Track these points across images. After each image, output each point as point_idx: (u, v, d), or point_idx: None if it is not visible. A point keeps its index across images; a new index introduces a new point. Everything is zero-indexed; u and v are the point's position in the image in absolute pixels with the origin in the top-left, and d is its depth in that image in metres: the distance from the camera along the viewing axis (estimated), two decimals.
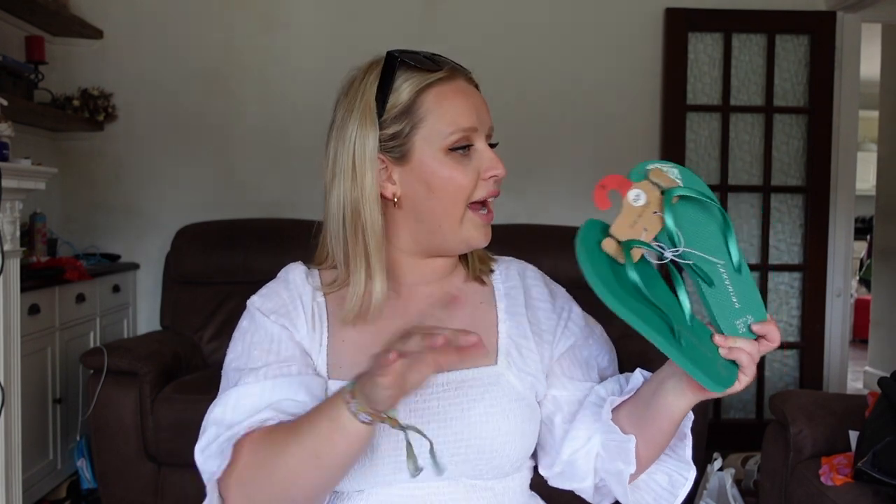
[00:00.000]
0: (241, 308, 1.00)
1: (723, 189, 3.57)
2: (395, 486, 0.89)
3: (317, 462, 0.79)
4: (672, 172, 0.83)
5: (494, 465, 0.91)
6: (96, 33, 3.40)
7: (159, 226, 3.44)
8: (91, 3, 3.40)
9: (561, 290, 1.05)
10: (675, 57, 3.51)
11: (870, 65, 4.30)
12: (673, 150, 3.52)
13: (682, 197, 0.82)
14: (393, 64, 0.90)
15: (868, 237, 5.71)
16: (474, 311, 0.98)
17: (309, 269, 0.99)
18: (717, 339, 0.80)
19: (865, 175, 5.61)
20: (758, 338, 0.81)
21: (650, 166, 0.83)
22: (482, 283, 1.01)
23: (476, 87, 0.96)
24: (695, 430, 3.04)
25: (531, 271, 1.04)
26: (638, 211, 0.81)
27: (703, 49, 3.58)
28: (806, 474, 1.97)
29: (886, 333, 4.58)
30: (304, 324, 0.93)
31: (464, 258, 1.02)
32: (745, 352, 0.79)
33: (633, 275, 0.77)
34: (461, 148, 0.90)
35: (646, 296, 0.78)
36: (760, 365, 3.61)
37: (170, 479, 2.54)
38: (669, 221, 0.80)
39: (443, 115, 0.89)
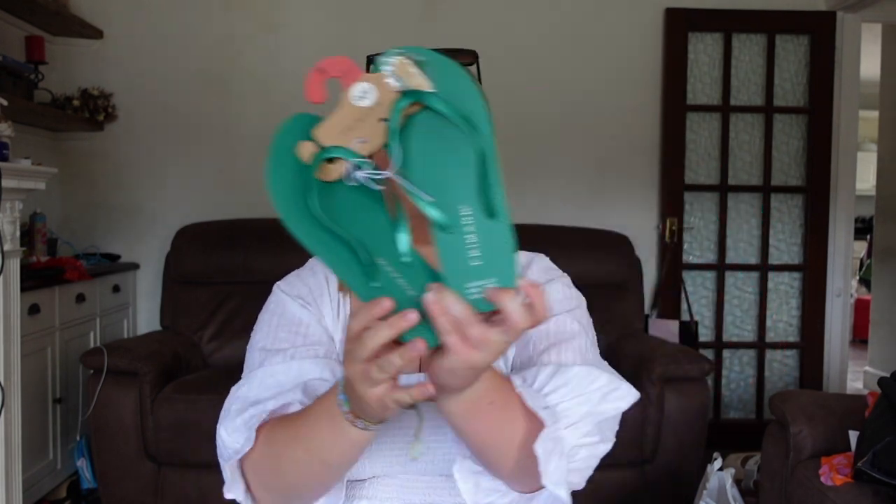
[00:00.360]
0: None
1: (723, 189, 3.57)
2: (397, 478, 0.90)
3: (325, 467, 0.80)
4: (429, 68, 0.61)
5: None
6: (96, 33, 3.40)
7: (159, 226, 3.44)
8: (91, 3, 3.40)
9: (555, 286, 0.96)
10: (676, 57, 3.51)
11: (870, 65, 4.30)
12: (673, 149, 3.52)
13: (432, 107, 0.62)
14: (368, 67, 0.95)
15: (868, 237, 5.71)
16: None
17: None
18: (430, 295, 0.62)
19: (865, 175, 5.61)
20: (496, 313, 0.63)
21: (394, 56, 0.62)
22: None
23: None
24: (695, 430, 3.03)
25: (536, 265, 1.00)
26: (359, 113, 0.62)
27: (703, 49, 3.58)
28: (806, 474, 1.97)
29: (886, 333, 4.58)
30: (330, 311, 0.95)
31: None
32: (442, 315, 0.61)
33: (313, 194, 0.63)
34: None
35: (323, 221, 0.63)
36: (760, 365, 3.61)
37: (170, 479, 2.54)
38: (393, 132, 0.61)
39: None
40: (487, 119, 0.63)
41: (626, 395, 0.85)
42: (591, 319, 0.97)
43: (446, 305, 0.62)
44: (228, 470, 0.85)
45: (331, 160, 0.63)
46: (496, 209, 0.63)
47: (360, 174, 0.63)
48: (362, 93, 0.61)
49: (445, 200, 0.63)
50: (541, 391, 0.82)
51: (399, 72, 0.61)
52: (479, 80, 0.96)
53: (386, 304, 0.63)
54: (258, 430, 0.83)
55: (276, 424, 0.83)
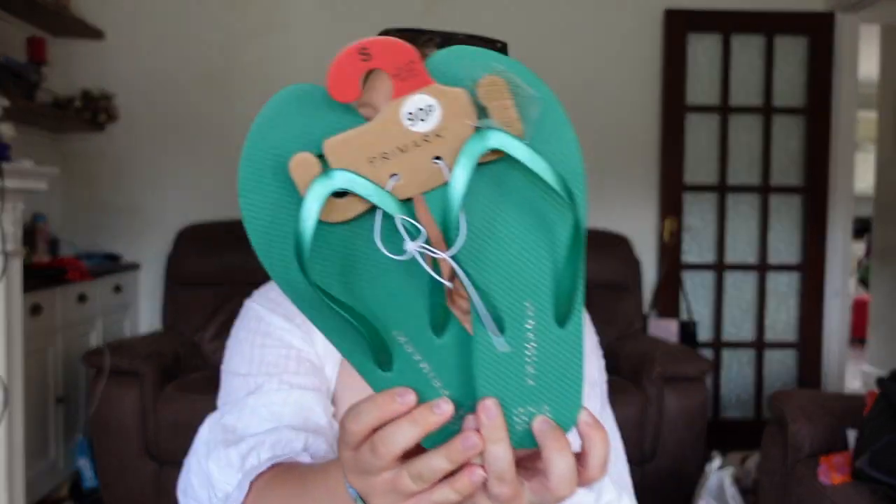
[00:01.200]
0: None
1: (721, 189, 3.58)
2: None
3: None
4: (528, 104, 0.42)
5: None
6: (97, 34, 3.40)
7: (160, 226, 3.45)
8: (92, 4, 3.41)
9: None
10: (675, 58, 3.52)
11: (868, 65, 4.31)
12: (672, 150, 3.53)
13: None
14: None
15: (866, 237, 5.72)
16: None
17: None
18: (470, 422, 0.46)
19: (864, 175, 5.62)
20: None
21: (493, 70, 0.42)
22: None
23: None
24: (694, 429, 3.04)
25: None
26: (405, 138, 0.42)
27: (702, 50, 3.59)
28: (805, 473, 1.98)
29: (885, 333, 4.59)
30: (321, 337, 0.83)
31: None
32: (457, 448, 0.44)
33: (305, 243, 0.41)
34: None
35: (315, 279, 0.42)
36: (759, 364, 3.62)
37: (171, 479, 2.54)
38: (457, 189, 0.41)
39: (364, 91, 0.77)
40: (584, 184, 0.44)
41: None
42: (601, 359, 0.88)
43: (486, 442, 0.45)
44: None
45: (341, 194, 0.43)
46: (570, 315, 0.45)
47: (411, 246, 0.42)
48: (421, 110, 0.41)
49: (507, 292, 0.45)
50: None
51: (487, 96, 0.41)
52: None
53: (409, 398, 0.45)
54: (254, 483, 0.69)
55: (273, 482, 0.68)
